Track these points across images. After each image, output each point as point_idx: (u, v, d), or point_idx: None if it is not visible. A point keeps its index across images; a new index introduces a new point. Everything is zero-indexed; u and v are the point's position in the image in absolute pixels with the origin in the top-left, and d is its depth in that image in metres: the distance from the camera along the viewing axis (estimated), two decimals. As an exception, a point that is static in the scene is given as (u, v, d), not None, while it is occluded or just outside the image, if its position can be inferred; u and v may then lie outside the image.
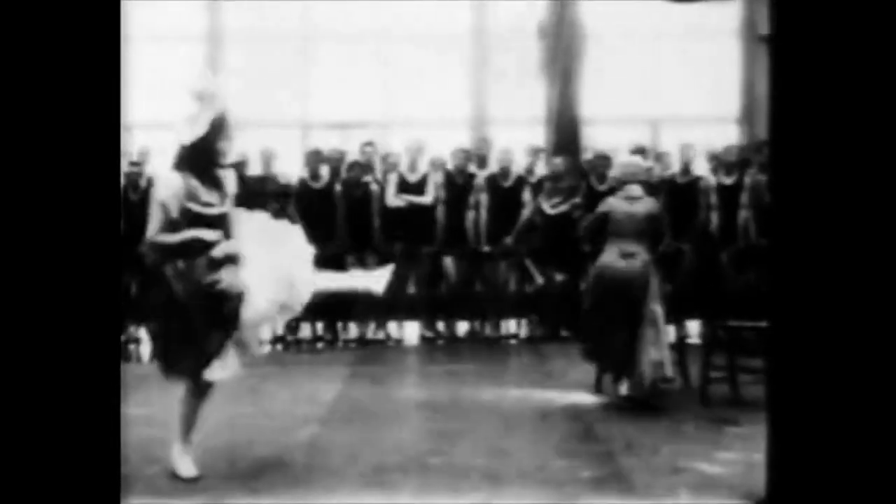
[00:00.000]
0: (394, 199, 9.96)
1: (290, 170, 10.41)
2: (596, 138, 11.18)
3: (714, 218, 10.00)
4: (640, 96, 12.29)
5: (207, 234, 4.86)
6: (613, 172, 7.11)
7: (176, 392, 5.10)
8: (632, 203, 6.76)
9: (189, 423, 5.11)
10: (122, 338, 9.87)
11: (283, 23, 12.52)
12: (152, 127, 11.50)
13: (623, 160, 7.40)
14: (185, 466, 5.07)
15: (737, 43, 12.51)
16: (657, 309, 6.65)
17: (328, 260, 9.93)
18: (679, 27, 12.25)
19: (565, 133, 11.23)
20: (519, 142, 10.66)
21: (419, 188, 10.03)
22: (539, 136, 11.35)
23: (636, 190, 6.79)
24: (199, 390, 5.06)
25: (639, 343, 6.59)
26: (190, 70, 12.01)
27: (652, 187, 7.14)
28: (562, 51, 11.24)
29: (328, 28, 12.58)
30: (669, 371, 6.68)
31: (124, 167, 9.86)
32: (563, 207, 9.99)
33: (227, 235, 4.96)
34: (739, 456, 5.43)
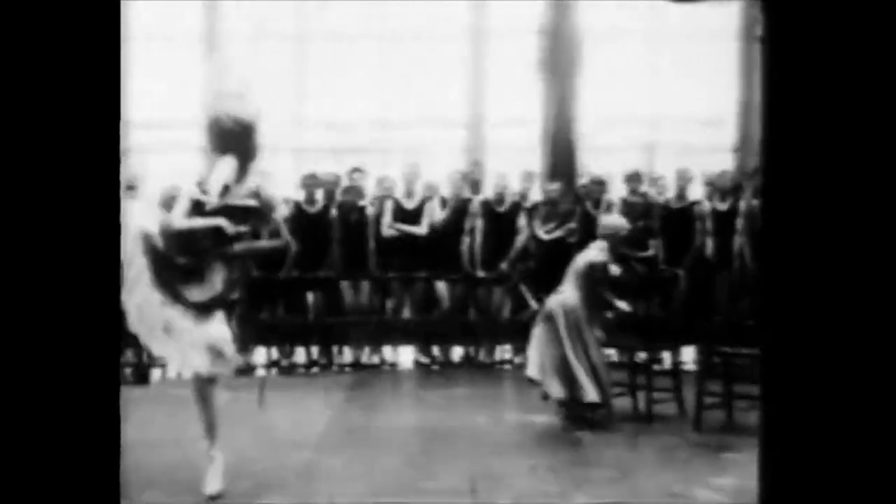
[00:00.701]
0: (387, 230, 9.97)
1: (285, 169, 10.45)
2: (591, 163, 11.17)
3: (709, 243, 10.03)
4: (637, 97, 12.34)
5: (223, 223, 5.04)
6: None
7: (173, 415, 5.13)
8: (582, 252, 7.35)
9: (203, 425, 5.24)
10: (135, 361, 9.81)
11: (279, 24, 12.52)
12: (148, 126, 11.54)
13: (602, 217, 8.04)
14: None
15: (735, 45, 12.54)
16: (589, 339, 7.02)
17: (323, 284, 10.00)
18: (677, 30, 12.30)
19: (561, 158, 11.23)
20: (515, 141, 10.70)
21: (415, 215, 10.04)
22: (535, 134, 11.33)
23: (594, 244, 7.28)
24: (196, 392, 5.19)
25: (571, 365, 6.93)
26: (187, 71, 12.03)
27: (624, 241, 7.55)
28: (560, 53, 11.22)
29: (324, 29, 12.58)
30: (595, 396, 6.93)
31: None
32: (558, 233, 10.00)
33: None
34: (734, 482, 5.42)
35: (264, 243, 5.15)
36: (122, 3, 3.50)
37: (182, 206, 5.07)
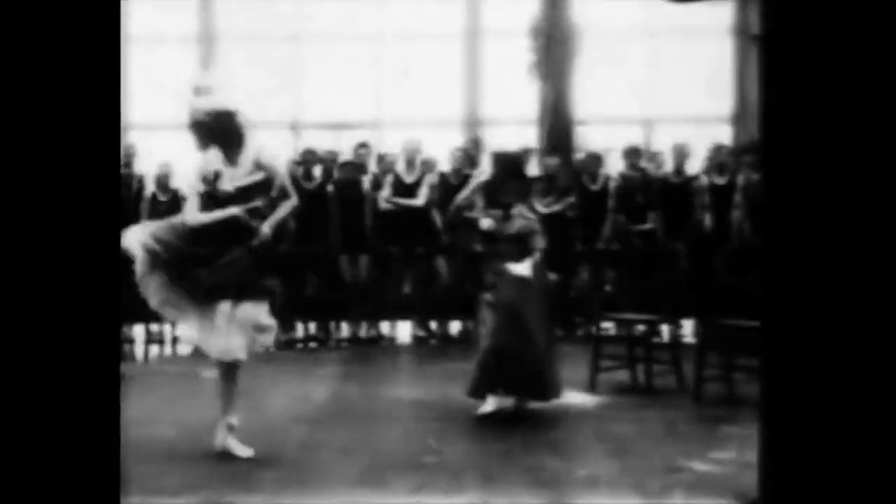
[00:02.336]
0: (384, 203, 9.93)
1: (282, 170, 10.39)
2: (589, 138, 11.17)
3: (707, 218, 10.01)
4: (634, 95, 12.32)
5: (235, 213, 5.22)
6: None
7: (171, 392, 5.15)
8: None
9: (224, 402, 5.48)
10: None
11: (276, 24, 12.50)
12: (144, 128, 11.54)
13: None
14: (239, 448, 5.45)
15: (729, 42, 12.54)
16: None
17: (320, 260, 9.97)
18: (672, 27, 12.27)
19: (558, 132, 11.21)
20: (512, 142, 10.63)
21: (415, 189, 10.01)
22: (532, 135, 11.34)
23: None
24: (223, 372, 5.43)
25: None
26: (183, 71, 12.04)
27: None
28: (555, 50, 11.22)
29: (321, 28, 12.56)
30: None
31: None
32: (557, 207, 9.98)
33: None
34: (734, 455, 5.42)
35: (282, 211, 5.34)
36: (122, 4, 3.48)
37: (192, 202, 5.29)
